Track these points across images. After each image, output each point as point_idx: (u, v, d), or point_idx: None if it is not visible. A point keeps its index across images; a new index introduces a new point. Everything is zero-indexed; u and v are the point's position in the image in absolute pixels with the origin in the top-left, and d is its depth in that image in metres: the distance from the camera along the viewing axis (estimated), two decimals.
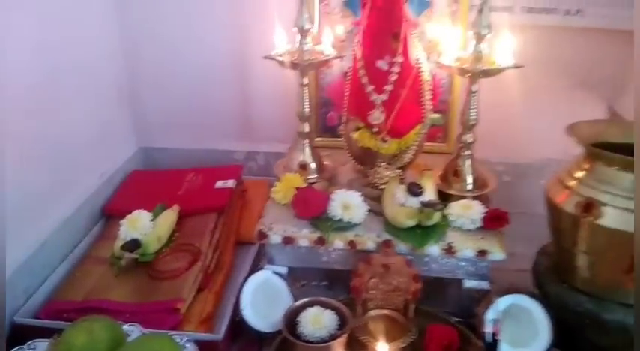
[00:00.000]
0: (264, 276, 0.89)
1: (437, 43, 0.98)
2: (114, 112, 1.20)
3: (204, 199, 1.08)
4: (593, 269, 0.78)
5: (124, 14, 1.16)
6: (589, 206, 0.75)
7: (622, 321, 0.75)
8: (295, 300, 0.84)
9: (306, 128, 0.99)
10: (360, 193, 0.91)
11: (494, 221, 0.88)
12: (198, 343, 0.78)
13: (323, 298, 0.83)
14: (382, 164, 0.93)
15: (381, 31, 0.88)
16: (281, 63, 0.93)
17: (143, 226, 0.96)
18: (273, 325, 0.83)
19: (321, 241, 0.89)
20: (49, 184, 0.97)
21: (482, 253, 0.85)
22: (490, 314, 0.77)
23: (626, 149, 0.76)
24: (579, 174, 0.78)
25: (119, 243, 0.95)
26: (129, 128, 1.25)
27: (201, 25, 1.15)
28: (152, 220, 0.98)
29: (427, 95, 0.92)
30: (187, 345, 0.76)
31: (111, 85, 1.18)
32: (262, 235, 0.90)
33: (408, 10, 0.90)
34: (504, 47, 0.88)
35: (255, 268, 0.97)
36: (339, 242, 0.89)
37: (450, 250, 0.86)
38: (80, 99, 1.05)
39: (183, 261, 0.93)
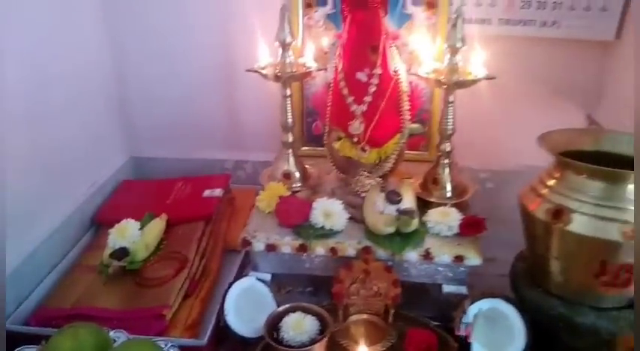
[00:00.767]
0: (248, 282, 0.91)
1: (417, 55, 1.01)
2: (104, 122, 1.21)
3: (192, 207, 1.11)
4: (565, 274, 0.80)
5: (113, 26, 1.18)
6: (559, 213, 0.76)
7: (593, 324, 0.78)
8: (279, 306, 0.86)
9: (290, 138, 1.02)
10: (341, 202, 0.93)
11: (471, 227, 0.90)
12: (183, 348, 0.80)
13: (305, 304, 0.84)
14: (364, 173, 0.95)
15: (360, 43, 0.91)
16: (264, 76, 0.96)
17: (131, 234, 0.98)
18: (256, 331, 0.84)
19: (303, 249, 0.91)
20: (40, 193, 0.98)
21: (458, 258, 0.87)
22: (463, 318, 0.79)
23: (598, 157, 0.79)
24: (550, 182, 0.80)
25: (108, 251, 0.96)
26: (119, 138, 1.27)
27: (190, 38, 1.17)
28: (140, 229, 1.00)
29: (405, 106, 0.94)
30: (172, 350, 0.78)
31: (101, 96, 1.19)
32: (246, 243, 0.93)
33: (388, 23, 0.93)
34: (477, 59, 0.91)
35: (241, 274, 0.99)
36: (320, 249, 0.91)
37: (427, 256, 0.88)
38: (70, 109, 1.07)
39: (170, 269, 0.95)
